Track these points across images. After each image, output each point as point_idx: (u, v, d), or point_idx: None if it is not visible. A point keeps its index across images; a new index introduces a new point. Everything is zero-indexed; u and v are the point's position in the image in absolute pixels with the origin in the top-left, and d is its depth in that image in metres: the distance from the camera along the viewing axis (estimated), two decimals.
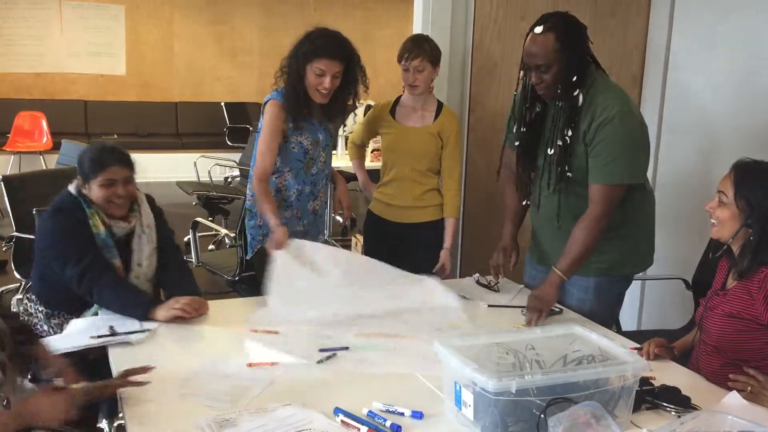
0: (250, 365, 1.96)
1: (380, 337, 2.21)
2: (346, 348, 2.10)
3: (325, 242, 3.15)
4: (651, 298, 3.82)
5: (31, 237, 3.14)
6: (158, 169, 8.94)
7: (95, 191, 2.42)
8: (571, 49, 2.26)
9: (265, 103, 2.79)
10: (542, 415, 1.50)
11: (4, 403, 1.68)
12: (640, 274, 2.92)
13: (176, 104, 9.93)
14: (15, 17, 9.08)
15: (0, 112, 8.80)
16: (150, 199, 2.64)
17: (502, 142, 2.72)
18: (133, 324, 2.24)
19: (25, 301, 2.56)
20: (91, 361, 2.11)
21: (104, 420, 2.75)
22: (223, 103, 9.51)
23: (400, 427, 1.62)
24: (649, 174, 2.73)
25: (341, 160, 5.82)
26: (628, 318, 3.74)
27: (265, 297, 2.44)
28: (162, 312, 2.29)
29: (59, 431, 1.86)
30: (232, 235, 4.05)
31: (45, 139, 8.73)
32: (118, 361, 1.98)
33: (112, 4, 9.48)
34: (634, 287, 3.56)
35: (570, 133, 2.33)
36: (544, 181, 2.48)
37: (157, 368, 1.94)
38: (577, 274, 2.43)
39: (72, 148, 4.83)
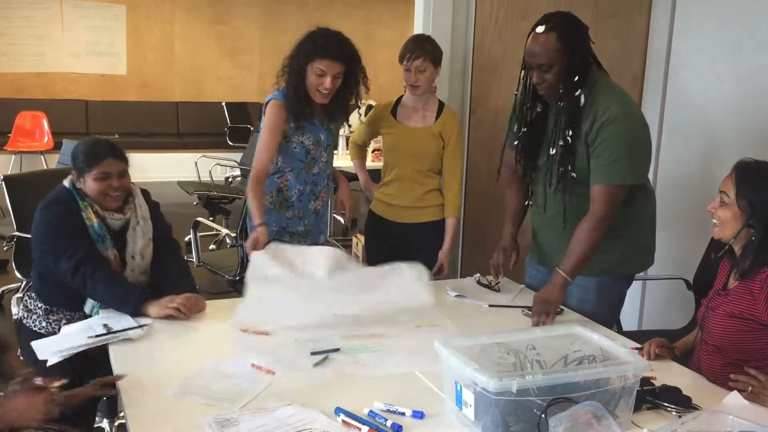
0: (253, 366, 1.96)
1: (369, 338, 2.20)
2: (338, 349, 2.08)
3: (326, 242, 3.15)
4: (652, 298, 3.82)
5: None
6: (159, 168, 8.95)
7: (90, 184, 2.42)
8: (572, 49, 2.26)
9: (267, 102, 2.79)
10: (543, 415, 1.50)
11: None
12: (641, 274, 2.92)
13: (177, 104, 9.94)
14: (16, 17, 9.09)
15: (1, 111, 8.81)
16: (145, 193, 2.65)
17: (503, 141, 2.72)
18: (128, 321, 2.23)
19: (26, 298, 2.57)
20: (91, 361, 2.11)
21: (105, 419, 2.75)
22: (224, 103, 9.52)
23: (401, 426, 1.62)
24: (650, 174, 2.73)
25: (341, 160, 5.83)
26: (629, 318, 3.74)
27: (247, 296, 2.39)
28: (155, 309, 2.28)
29: (57, 430, 1.86)
30: (233, 234, 4.06)
31: (46, 138, 8.73)
32: (119, 361, 1.98)
33: (113, 3, 9.48)
34: (635, 287, 3.56)
35: (571, 133, 2.33)
36: (545, 182, 2.48)
37: (158, 367, 1.95)
38: (579, 274, 2.42)
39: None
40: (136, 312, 2.29)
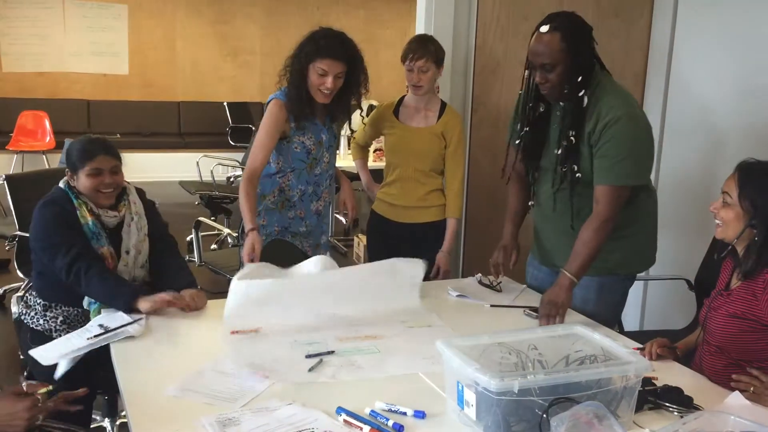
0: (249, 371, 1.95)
1: (364, 340, 2.18)
2: (332, 352, 2.06)
3: (328, 242, 3.15)
4: (653, 299, 3.82)
5: None
6: (161, 168, 8.97)
7: (83, 181, 2.46)
8: (576, 49, 2.25)
9: (268, 102, 2.79)
10: (545, 415, 1.50)
11: None
12: (643, 274, 2.92)
13: (179, 104, 9.95)
14: (18, 16, 9.10)
15: (3, 111, 8.83)
16: (140, 191, 2.68)
17: (507, 141, 2.72)
18: (123, 318, 2.23)
19: (26, 296, 2.59)
20: (93, 362, 2.11)
21: (106, 419, 2.76)
22: (225, 103, 9.53)
23: (402, 426, 1.62)
24: (652, 174, 2.72)
25: (343, 160, 5.82)
26: (630, 318, 3.74)
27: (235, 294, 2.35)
28: (146, 304, 2.28)
29: (63, 429, 1.86)
30: (235, 234, 4.06)
31: (48, 138, 8.74)
32: (121, 360, 1.98)
33: (115, 3, 9.49)
34: (637, 288, 3.56)
35: (575, 133, 2.32)
36: (548, 182, 2.48)
37: (159, 367, 1.95)
38: None
39: None
40: (129, 307, 2.29)
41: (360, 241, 4.65)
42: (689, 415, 1.64)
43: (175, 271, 2.56)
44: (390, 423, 1.63)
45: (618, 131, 2.25)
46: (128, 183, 2.64)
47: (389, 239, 3.14)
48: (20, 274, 3.72)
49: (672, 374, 1.95)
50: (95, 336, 2.11)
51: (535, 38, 2.29)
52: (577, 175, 2.36)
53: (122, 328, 2.14)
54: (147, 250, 2.60)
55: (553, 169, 2.43)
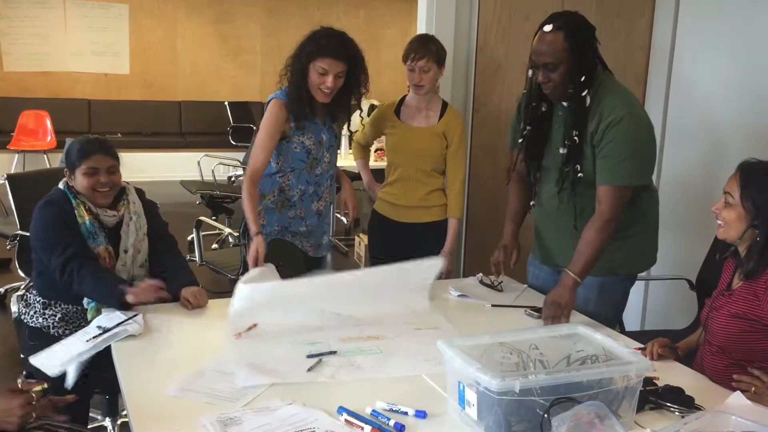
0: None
1: (367, 340, 2.17)
2: (334, 352, 2.06)
3: (329, 242, 3.14)
4: (655, 299, 3.82)
5: None
6: (162, 168, 8.98)
7: (80, 180, 2.48)
8: (579, 49, 2.25)
9: (268, 102, 2.79)
10: (546, 415, 1.50)
11: None
12: (644, 274, 2.92)
13: (180, 103, 9.95)
14: (19, 16, 9.10)
15: (4, 110, 8.83)
16: (140, 192, 2.70)
17: (509, 144, 2.72)
18: (119, 317, 2.23)
19: (27, 294, 2.60)
20: (94, 361, 2.11)
21: (107, 418, 2.76)
22: (226, 103, 9.53)
23: (403, 426, 1.62)
24: (654, 174, 2.73)
25: (343, 160, 5.82)
26: (631, 318, 3.74)
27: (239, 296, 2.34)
28: (130, 296, 2.28)
29: (55, 428, 1.86)
30: (236, 234, 4.06)
31: (49, 137, 8.74)
32: (122, 360, 1.98)
33: (116, 3, 9.50)
34: (638, 288, 3.56)
35: (578, 133, 2.32)
36: (550, 182, 2.48)
37: (160, 366, 1.96)
38: None
39: None
40: (120, 303, 2.29)
41: (361, 241, 4.65)
42: (690, 415, 1.64)
43: (176, 271, 2.57)
44: (391, 423, 1.63)
45: (620, 131, 2.25)
46: (127, 183, 2.65)
47: (390, 239, 3.14)
48: (21, 274, 3.73)
49: (673, 374, 1.95)
50: (94, 337, 2.11)
51: (538, 37, 2.29)
52: (579, 174, 2.36)
53: (121, 327, 2.14)
54: (146, 250, 2.61)
55: (557, 169, 2.43)
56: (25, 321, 2.53)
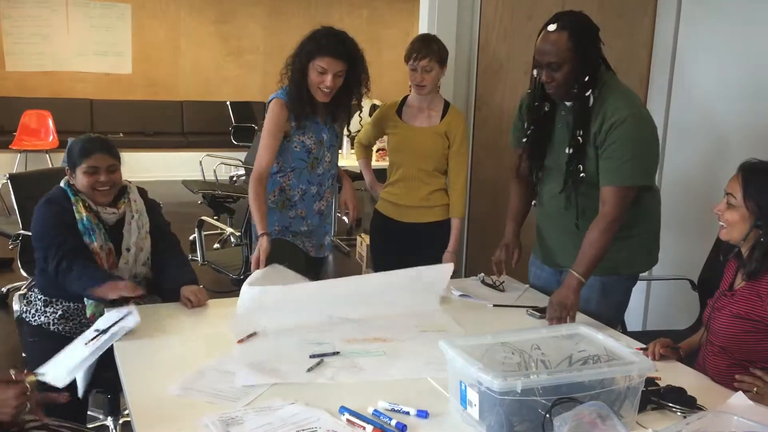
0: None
1: (372, 342, 2.16)
2: (337, 353, 2.05)
3: (331, 242, 3.15)
4: (656, 299, 3.82)
5: None
6: (164, 167, 8.98)
7: (80, 178, 2.50)
8: (583, 49, 2.25)
9: (270, 101, 2.79)
10: (548, 415, 1.50)
11: None
12: (646, 274, 2.92)
13: (182, 103, 9.95)
14: (22, 16, 9.11)
15: (7, 110, 8.84)
16: (142, 191, 2.71)
17: (511, 144, 2.71)
18: (114, 315, 2.22)
19: (29, 293, 2.60)
20: (97, 363, 2.11)
21: (109, 417, 2.76)
22: (228, 102, 9.53)
23: (405, 426, 1.62)
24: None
25: (344, 159, 5.82)
26: (633, 318, 3.73)
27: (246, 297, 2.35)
28: (103, 290, 2.29)
29: (56, 428, 1.86)
30: (238, 233, 4.06)
31: (51, 137, 8.75)
32: (124, 359, 1.98)
33: (118, 3, 9.50)
34: (640, 288, 3.55)
35: (582, 132, 2.32)
36: (552, 181, 2.48)
37: (162, 366, 1.96)
38: None
39: None
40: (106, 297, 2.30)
41: (363, 241, 4.66)
42: (692, 415, 1.64)
43: (177, 269, 2.57)
44: (393, 422, 1.63)
45: (624, 132, 2.25)
46: (129, 182, 2.66)
47: (392, 239, 3.14)
48: (23, 273, 3.73)
49: (675, 374, 1.95)
50: (92, 339, 2.09)
51: (542, 37, 2.29)
52: (581, 175, 2.36)
53: (118, 326, 2.13)
54: (149, 248, 2.62)
55: (559, 169, 2.43)
56: (27, 319, 2.54)
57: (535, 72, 2.37)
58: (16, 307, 2.65)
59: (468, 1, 3.64)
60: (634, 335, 2.44)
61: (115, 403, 2.72)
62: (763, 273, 1.94)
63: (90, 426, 2.76)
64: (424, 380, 1.90)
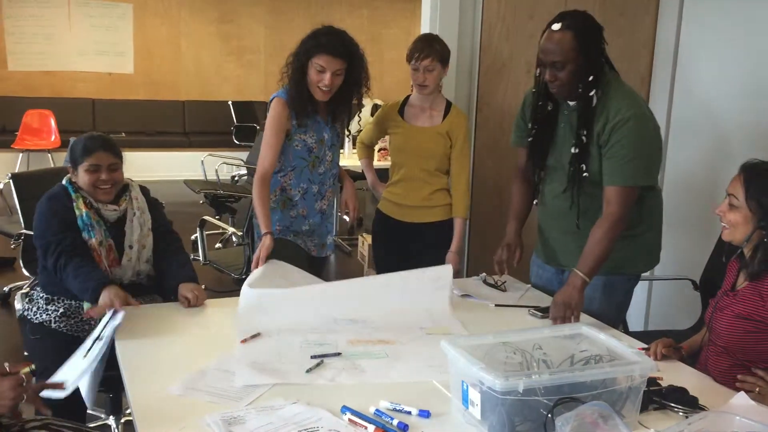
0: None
1: (376, 344, 2.14)
2: (338, 354, 2.04)
3: (333, 242, 3.14)
4: (658, 299, 3.81)
5: None
6: (166, 167, 8.99)
7: (82, 176, 2.52)
8: (587, 48, 2.25)
9: (271, 101, 2.79)
10: (549, 415, 1.50)
11: None
12: (648, 273, 2.91)
13: (184, 103, 9.96)
14: (24, 15, 9.12)
15: (9, 110, 8.85)
16: (144, 189, 2.72)
17: (512, 143, 2.71)
18: (104, 319, 2.20)
19: (31, 291, 2.62)
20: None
21: (111, 416, 2.77)
22: (230, 102, 9.54)
23: (407, 425, 1.62)
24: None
25: (346, 159, 5.82)
26: (635, 318, 3.73)
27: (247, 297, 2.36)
28: (103, 297, 2.27)
29: (58, 428, 1.86)
30: (239, 233, 4.06)
31: (53, 137, 8.76)
32: (126, 358, 1.99)
33: (120, 2, 9.51)
34: (642, 288, 3.55)
35: (586, 132, 2.32)
36: (554, 181, 2.48)
37: (164, 365, 1.96)
38: None
39: None
40: (94, 299, 2.30)
41: (365, 241, 4.66)
42: (694, 415, 1.63)
43: (177, 267, 2.57)
44: (395, 422, 1.63)
45: (627, 132, 2.25)
46: (131, 180, 2.67)
47: (394, 239, 3.14)
48: (26, 272, 3.74)
49: (677, 374, 1.95)
50: (89, 350, 2.08)
51: (546, 36, 2.28)
52: (584, 174, 2.36)
53: (108, 329, 2.11)
54: (151, 245, 2.62)
55: (562, 169, 2.43)
56: (29, 317, 2.54)
57: (538, 71, 2.36)
58: (18, 305, 2.66)
59: (470, 0, 3.64)
60: (636, 335, 2.44)
61: (117, 403, 2.72)
62: (766, 273, 1.93)
63: (92, 425, 2.77)
64: (426, 380, 1.90)
